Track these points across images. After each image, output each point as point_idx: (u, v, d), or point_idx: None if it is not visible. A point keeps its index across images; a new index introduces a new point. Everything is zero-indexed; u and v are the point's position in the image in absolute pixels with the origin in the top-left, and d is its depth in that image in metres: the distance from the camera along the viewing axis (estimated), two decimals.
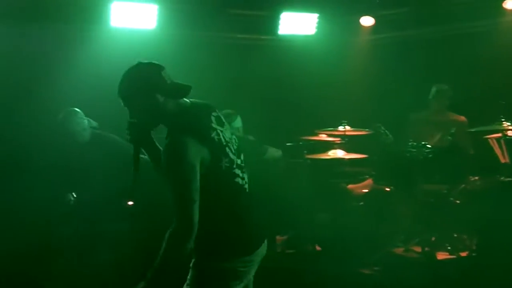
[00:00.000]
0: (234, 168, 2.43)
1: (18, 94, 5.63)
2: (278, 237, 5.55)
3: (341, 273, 4.91)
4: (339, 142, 5.71)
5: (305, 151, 5.71)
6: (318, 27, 6.79)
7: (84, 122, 4.85)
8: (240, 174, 2.47)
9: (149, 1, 5.86)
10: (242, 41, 6.78)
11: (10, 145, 5.41)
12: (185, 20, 6.16)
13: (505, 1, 6.01)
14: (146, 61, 2.42)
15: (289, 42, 6.85)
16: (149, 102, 2.35)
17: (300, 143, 5.75)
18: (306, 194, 5.61)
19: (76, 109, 4.80)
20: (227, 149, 2.41)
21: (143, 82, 2.35)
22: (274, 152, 4.59)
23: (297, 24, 6.78)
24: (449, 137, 5.12)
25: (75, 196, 4.79)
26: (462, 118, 5.74)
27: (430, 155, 4.99)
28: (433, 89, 5.83)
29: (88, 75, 5.54)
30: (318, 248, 5.46)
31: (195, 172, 2.23)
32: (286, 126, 6.49)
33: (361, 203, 5.41)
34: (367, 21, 6.75)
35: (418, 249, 5.07)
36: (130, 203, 4.86)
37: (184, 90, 2.41)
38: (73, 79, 5.58)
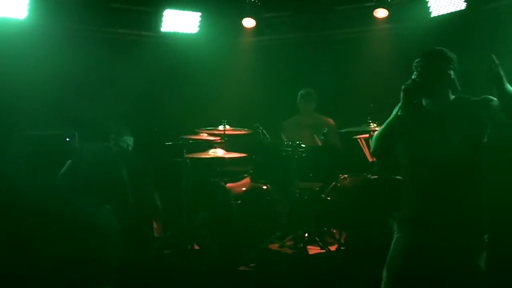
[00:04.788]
0: None
1: None
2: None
3: (219, 271, 4.95)
4: (219, 141, 5.74)
5: (184, 150, 5.67)
6: (200, 26, 6.80)
7: None
8: None
9: None
10: (123, 36, 6.60)
11: None
12: (60, 11, 5.87)
13: (375, 11, 6.41)
14: None
15: (172, 40, 6.79)
16: None
17: (180, 142, 5.69)
18: (185, 194, 5.58)
19: None
20: None
21: None
22: None
23: (180, 22, 6.75)
24: (322, 137, 5.31)
25: None
26: (330, 120, 6.05)
27: (304, 154, 5.16)
28: (300, 93, 6.10)
29: None
30: (196, 247, 5.46)
31: None
32: (165, 125, 6.41)
33: (239, 201, 5.48)
34: (249, 22, 6.85)
35: (292, 244, 5.22)
36: None
37: None
38: None
